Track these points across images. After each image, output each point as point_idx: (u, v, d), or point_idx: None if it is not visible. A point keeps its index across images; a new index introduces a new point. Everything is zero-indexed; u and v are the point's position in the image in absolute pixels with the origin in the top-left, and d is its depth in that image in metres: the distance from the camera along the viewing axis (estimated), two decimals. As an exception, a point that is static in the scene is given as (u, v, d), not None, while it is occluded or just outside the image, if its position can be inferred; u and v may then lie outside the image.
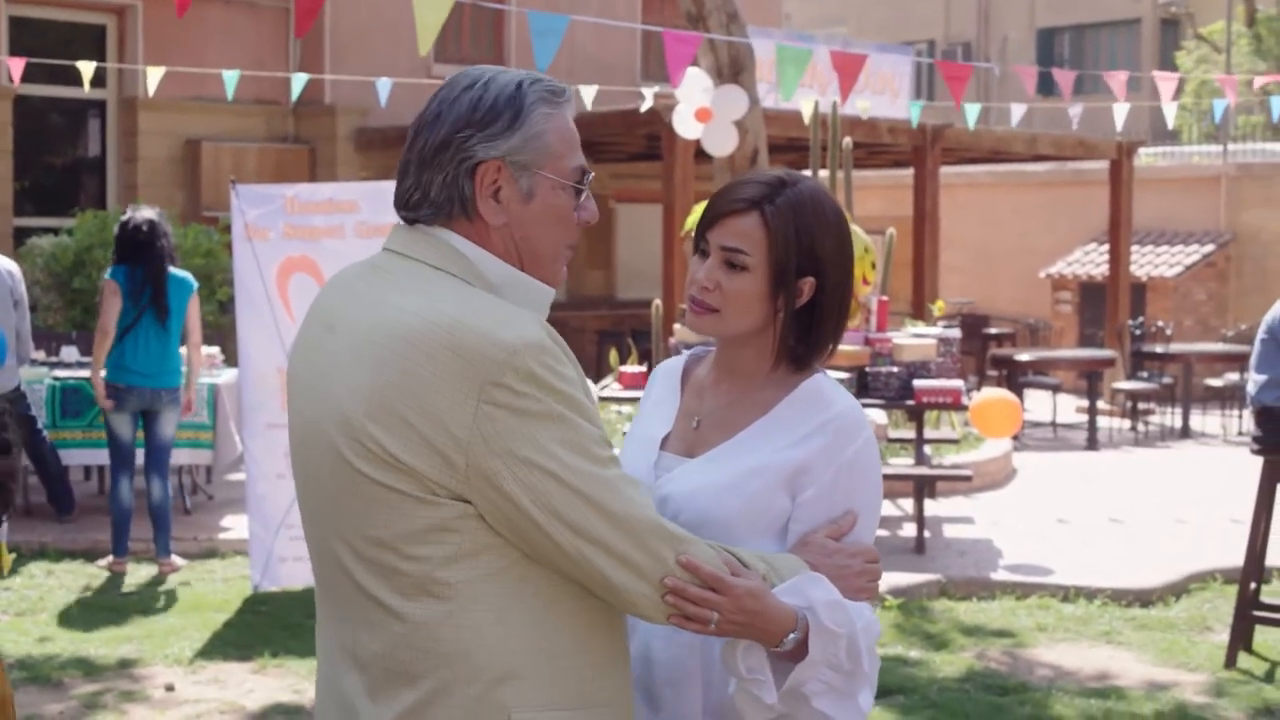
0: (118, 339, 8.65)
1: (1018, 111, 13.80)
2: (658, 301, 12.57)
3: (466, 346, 2.24)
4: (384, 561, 2.30)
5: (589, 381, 2.47)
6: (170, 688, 6.65)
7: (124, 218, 8.87)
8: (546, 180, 2.40)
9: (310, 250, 8.28)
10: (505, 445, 2.23)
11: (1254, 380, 7.22)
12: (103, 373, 8.67)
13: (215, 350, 10.70)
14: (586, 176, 2.45)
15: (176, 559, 8.99)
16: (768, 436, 2.64)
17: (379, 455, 2.26)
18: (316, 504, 2.40)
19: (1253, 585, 7.31)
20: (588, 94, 12.73)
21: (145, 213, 8.83)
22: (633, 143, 16.98)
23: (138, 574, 8.85)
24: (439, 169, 2.37)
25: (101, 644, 7.36)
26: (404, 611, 2.29)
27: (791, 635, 2.40)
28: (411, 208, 2.41)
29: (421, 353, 2.25)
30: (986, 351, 18.48)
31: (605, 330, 18.89)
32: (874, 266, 10.14)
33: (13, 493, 2.25)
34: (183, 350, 8.90)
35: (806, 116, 11.46)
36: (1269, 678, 7.05)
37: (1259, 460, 7.43)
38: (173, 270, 8.79)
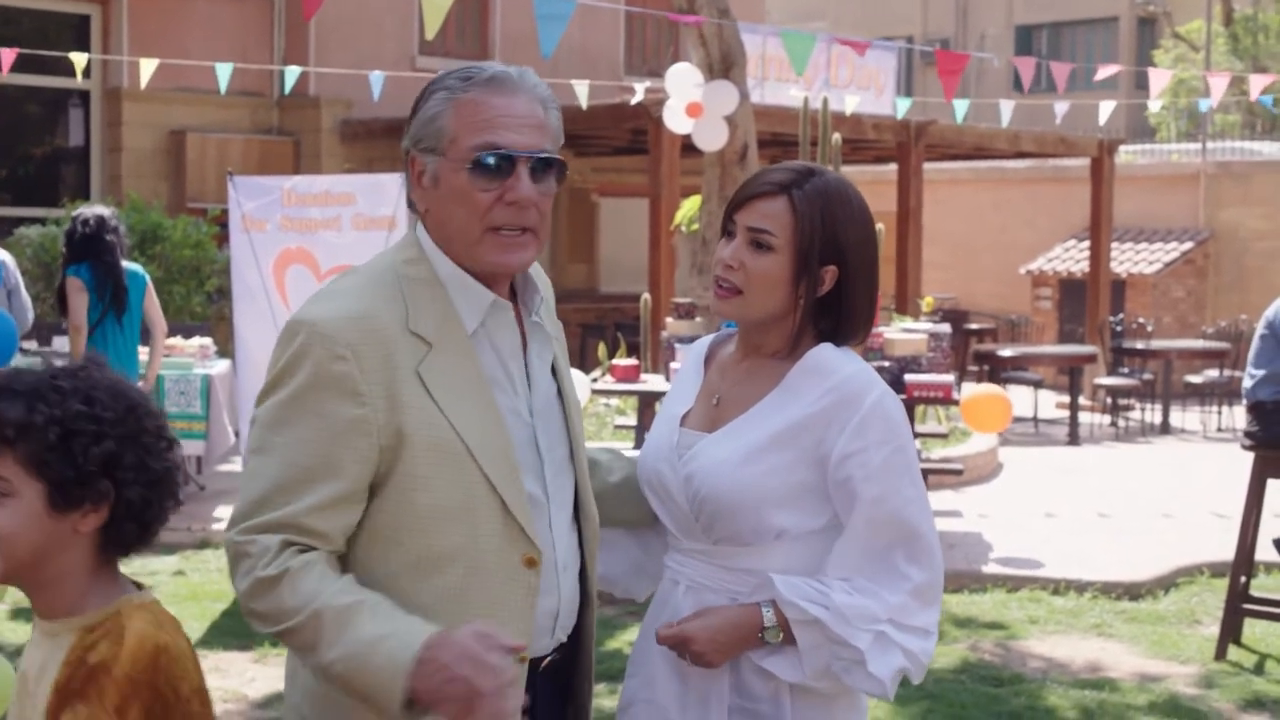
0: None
1: (1006, 108, 13.87)
2: (646, 295, 12.60)
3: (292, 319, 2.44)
4: None
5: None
6: (172, 676, 6.67)
7: (74, 214, 8.88)
8: (447, 163, 2.44)
9: (307, 242, 8.30)
10: (256, 400, 2.45)
11: (1250, 375, 7.28)
12: None
13: (207, 341, 10.71)
14: (487, 155, 2.42)
15: None
16: (780, 408, 2.71)
17: None
18: None
19: (1243, 579, 7.40)
20: (580, 90, 12.75)
21: (95, 209, 8.84)
22: (617, 137, 17.00)
23: (130, 564, 8.85)
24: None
25: (100, 633, 7.37)
26: None
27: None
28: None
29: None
30: (967, 347, 18.58)
31: (588, 324, 18.91)
32: (865, 262, 10.21)
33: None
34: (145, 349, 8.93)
35: (797, 103, 11.48)
36: (1259, 670, 7.13)
37: (1241, 456, 7.49)
38: (126, 265, 8.82)
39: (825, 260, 2.72)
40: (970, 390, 10.03)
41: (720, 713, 2.72)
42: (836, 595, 2.63)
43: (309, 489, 2.33)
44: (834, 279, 2.73)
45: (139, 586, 2.30)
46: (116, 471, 2.14)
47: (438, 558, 2.38)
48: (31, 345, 10.81)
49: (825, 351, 2.74)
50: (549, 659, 2.58)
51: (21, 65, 12.17)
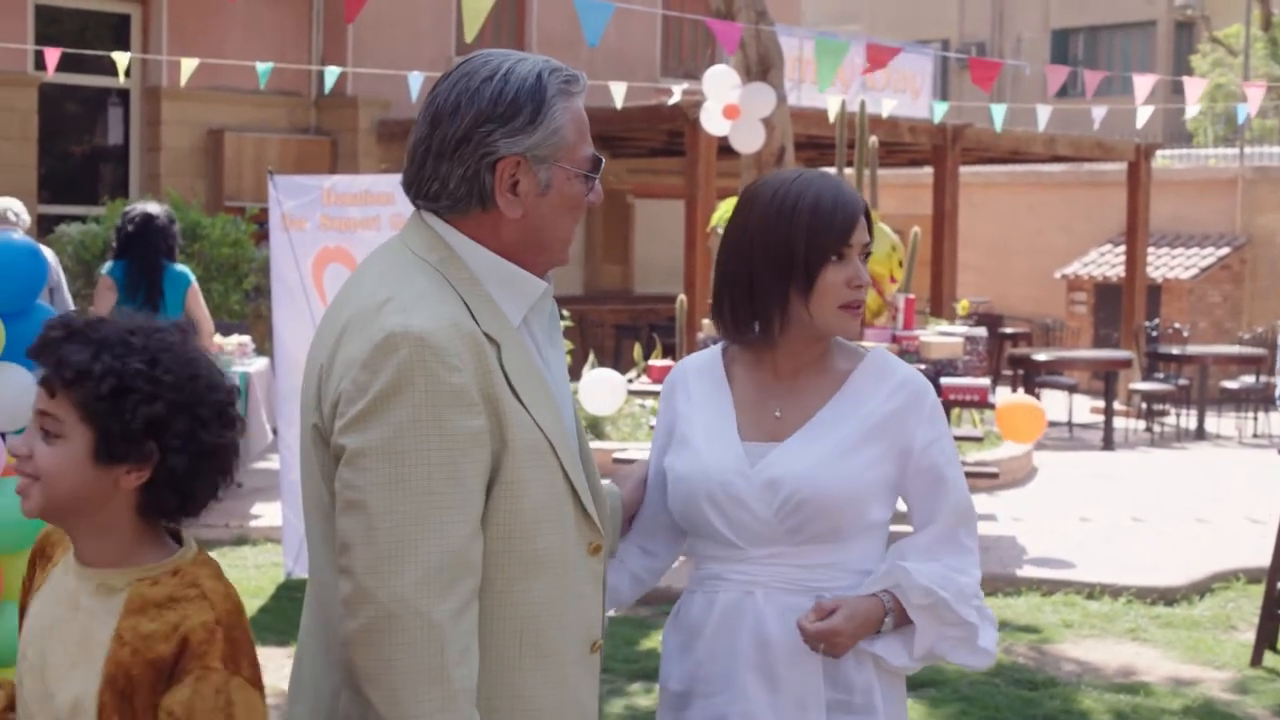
0: None
1: (1043, 112, 13.84)
2: (682, 296, 12.63)
3: (364, 326, 2.27)
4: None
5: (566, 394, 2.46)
6: (210, 671, 6.71)
7: (124, 209, 8.86)
8: (563, 171, 2.40)
9: (345, 241, 8.34)
10: (344, 428, 2.25)
11: (1277, 383, 7.26)
12: None
13: (246, 339, 10.76)
14: (599, 164, 2.46)
15: None
16: (855, 408, 2.83)
17: (316, 426, 2.33)
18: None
19: (1279, 585, 7.37)
20: (617, 91, 12.79)
21: (145, 206, 8.79)
22: (653, 138, 17.04)
23: (169, 559, 8.92)
24: (459, 162, 2.36)
25: (139, 627, 7.42)
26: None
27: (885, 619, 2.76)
28: (430, 198, 2.40)
29: (349, 332, 2.31)
30: (1002, 351, 18.54)
31: (623, 325, 18.97)
32: (901, 265, 10.20)
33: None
34: None
35: (833, 114, 11.51)
36: (1294, 676, 7.12)
37: (1277, 461, 7.46)
38: (171, 265, 8.75)
39: None
40: (1005, 399, 10.00)
41: (819, 711, 2.76)
42: (956, 576, 2.78)
43: (452, 517, 2.23)
44: None
45: (178, 540, 2.31)
46: (163, 435, 2.15)
47: (541, 559, 2.35)
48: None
49: (883, 354, 2.90)
50: None
51: (62, 64, 12.27)
